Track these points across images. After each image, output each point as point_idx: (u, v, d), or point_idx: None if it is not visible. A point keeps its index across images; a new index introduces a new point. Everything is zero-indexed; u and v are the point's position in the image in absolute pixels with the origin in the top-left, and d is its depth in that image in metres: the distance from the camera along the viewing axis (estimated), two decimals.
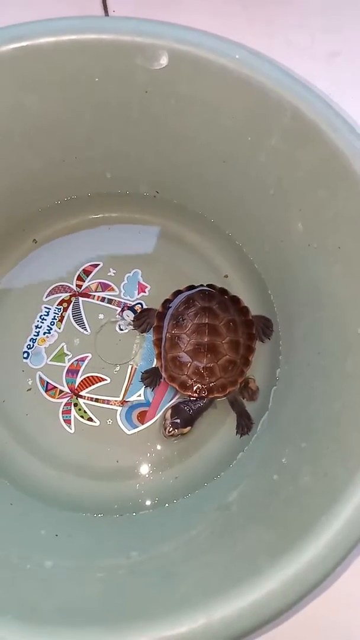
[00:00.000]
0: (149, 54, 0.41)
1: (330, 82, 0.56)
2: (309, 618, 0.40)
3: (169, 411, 0.47)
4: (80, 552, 0.39)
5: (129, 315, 0.52)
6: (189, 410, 0.46)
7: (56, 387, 0.49)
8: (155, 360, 0.50)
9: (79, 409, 0.49)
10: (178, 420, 0.46)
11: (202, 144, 0.47)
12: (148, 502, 0.45)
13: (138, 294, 0.53)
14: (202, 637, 0.28)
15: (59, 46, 0.40)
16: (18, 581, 0.34)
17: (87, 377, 0.50)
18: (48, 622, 0.29)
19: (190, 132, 0.47)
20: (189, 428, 0.46)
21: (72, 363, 0.50)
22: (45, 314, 0.52)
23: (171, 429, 0.46)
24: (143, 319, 0.51)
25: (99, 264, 0.54)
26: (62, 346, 0.51)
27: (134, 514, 0.44)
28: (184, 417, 0.46)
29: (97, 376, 0.50)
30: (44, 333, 0.51)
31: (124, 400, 0.49)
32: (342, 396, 0.38)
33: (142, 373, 0.50)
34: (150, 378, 0.49)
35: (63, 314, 0.52)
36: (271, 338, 0.51)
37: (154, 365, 0.50)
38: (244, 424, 0.48)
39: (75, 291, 0.53)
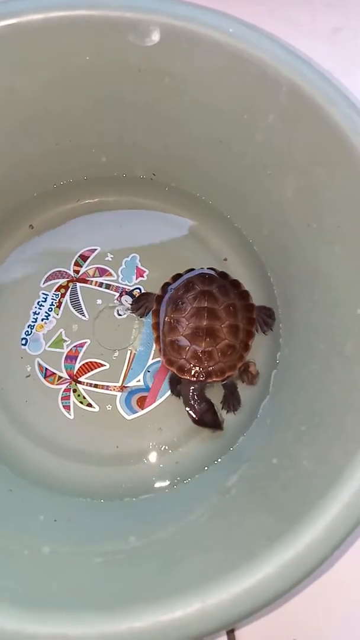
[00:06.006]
0: (140, 30, 0.40)
1: (334, 59, 0.54)
2: (305, 602, 0.40)
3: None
4: (79, 537, 0.39)
5: (128, 300, 0.52)
6: (192, 392, 0.46)
7: (55, 373, 0.49)
8: (154, 343, 0.49)
9: (78, 395, 0.48)
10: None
11: (198, 124, 0.46)
12: (148, 487, 0.45)
13: (136, 278, 0.53)
14: (196, 622, 0.27)
15: (47, 23, 0.39)
16: (15, 567, 0.34)
17: (86, 362, 0.49)
18: (44, 608, 0.29)
19: (186, 112, 0.46)
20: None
21: (71, 349, 0.50)
22: (43, 300, 0.51)
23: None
24: (142, 304, 0.51)
25: (96, 249, 0.53)
26: (61, 332, 0.50)
27: (134, 499, 0.44)
28: (183, 391, 0.46)
29: (96, 362, 0.50)
30: (42, 319, 0.51)
31: (123, 386, 0.49)
32: (342, 379, 0.38)
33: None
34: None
35: (61, 300, 0.51)
36: (273, 329, 0.50)
37: (153, 349, 0.50)
38: (230, 402, 0.48)
39: (72, 277, 0.52)
